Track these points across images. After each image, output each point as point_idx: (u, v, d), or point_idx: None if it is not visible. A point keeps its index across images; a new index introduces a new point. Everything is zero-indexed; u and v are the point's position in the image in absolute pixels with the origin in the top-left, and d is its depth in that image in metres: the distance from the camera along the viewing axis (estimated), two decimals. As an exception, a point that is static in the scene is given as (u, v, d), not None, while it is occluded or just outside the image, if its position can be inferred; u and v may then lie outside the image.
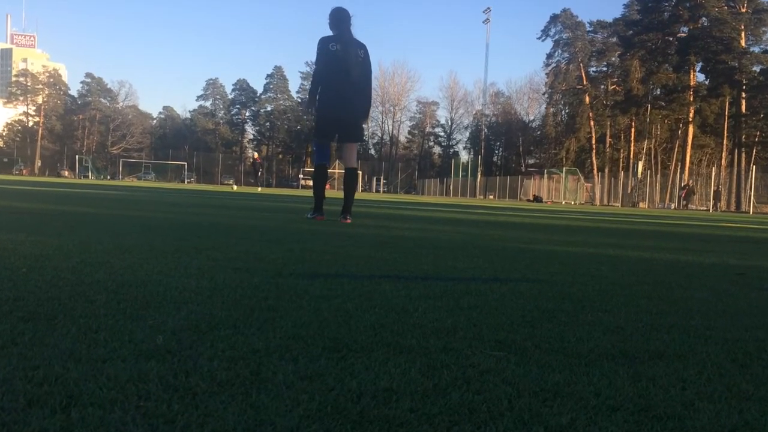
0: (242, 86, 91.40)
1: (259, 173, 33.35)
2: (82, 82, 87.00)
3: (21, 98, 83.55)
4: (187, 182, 69.54)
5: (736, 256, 4.20)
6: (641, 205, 43.76)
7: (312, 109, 6.04)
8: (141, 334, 1.34)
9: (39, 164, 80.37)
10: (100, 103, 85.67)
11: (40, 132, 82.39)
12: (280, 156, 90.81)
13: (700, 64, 50.77)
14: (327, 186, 6.23)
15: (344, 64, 5.75)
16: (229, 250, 3.01)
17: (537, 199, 45.71)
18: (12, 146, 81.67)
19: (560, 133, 71.69)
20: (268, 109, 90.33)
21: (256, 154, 34.12)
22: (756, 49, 48.63)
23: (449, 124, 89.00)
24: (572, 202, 45.50)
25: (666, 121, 56.76)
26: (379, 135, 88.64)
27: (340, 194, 6.30)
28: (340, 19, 5.87)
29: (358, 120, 6.01)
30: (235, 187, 29.95)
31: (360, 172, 75.10)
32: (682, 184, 40.64)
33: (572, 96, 68.13)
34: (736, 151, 48.08)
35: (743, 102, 48.20)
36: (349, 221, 5.74)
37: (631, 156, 57.42)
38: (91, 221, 4.70)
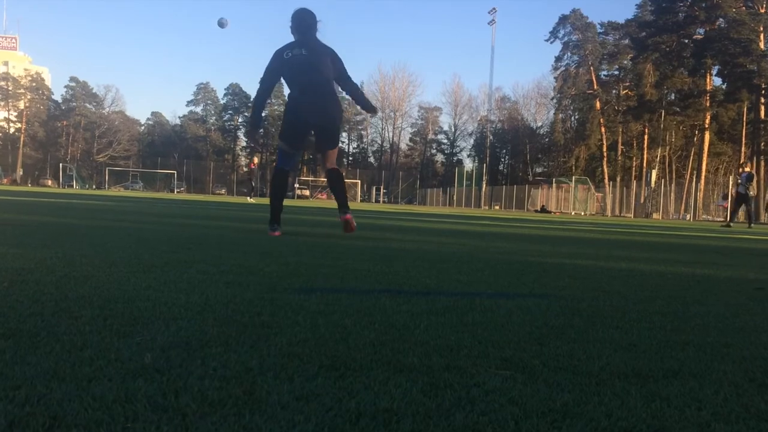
0: (235, 91, 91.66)
1: (253, 182, 33.26)
2: (66, 87, 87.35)
3: (2, 103, 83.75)
4: (177, 192, 69.66)
5: (755, 269, 4.21)
6: (655, 215, 43.74)
7: (258, 130, 5.91)
8: (128, 351, 1.34)
9: (21, 173, 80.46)
10: (85, 109, 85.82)
11: (21, 139, 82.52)
12: (275, 164, 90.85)
13: (716, 67, 50.98)
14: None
15: (312, 68, 5.45)
16: (220, 263, 3.02)
17: (543, 209, 45.71)
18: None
19: (569, 140, 71.80)
20: (262, 114, 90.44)
21: (255, 159, 32.90)
22: (775, 52, 48.87)
23: (453, 130, 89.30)
24: (582, 213, 45.51)
25: (681, 127, 56.88)
26: (379, 142, 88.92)
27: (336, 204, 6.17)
28: (303, 20, 5.49)
29: (336, 124, 5.76)
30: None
31: (359, 182, 74.35)
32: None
33: (582, 101, 68.26)
34: (755, 158, 48.16)
35: (762, 107, 48.34)
36: (349, 217, 5.54)
37: (644, 164, 57.49)
38: (75, 233, 4.70)
